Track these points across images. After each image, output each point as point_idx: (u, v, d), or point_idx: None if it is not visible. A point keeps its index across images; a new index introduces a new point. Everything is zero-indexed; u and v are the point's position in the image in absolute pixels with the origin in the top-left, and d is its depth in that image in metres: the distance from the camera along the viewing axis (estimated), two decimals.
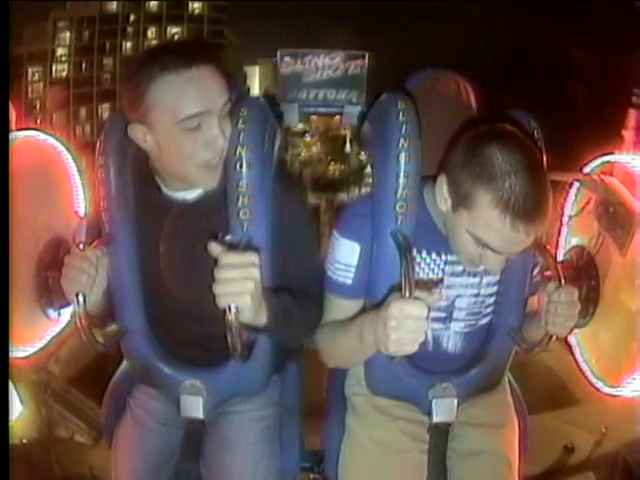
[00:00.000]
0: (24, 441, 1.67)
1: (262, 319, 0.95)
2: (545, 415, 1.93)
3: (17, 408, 1.57)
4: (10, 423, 1.03)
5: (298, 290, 1.08)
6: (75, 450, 1.86)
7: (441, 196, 1.02)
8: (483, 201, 0.93)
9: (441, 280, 1.11)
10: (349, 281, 1.10)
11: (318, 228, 1.18)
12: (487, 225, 0.94)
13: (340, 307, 1.12)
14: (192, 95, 0.94)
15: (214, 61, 0.96)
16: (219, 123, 0.98)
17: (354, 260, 1.09)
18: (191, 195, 1.08)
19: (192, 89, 0.94)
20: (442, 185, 1.01)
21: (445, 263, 1.10)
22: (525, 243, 0.95)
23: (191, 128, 0.96)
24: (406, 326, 0.84)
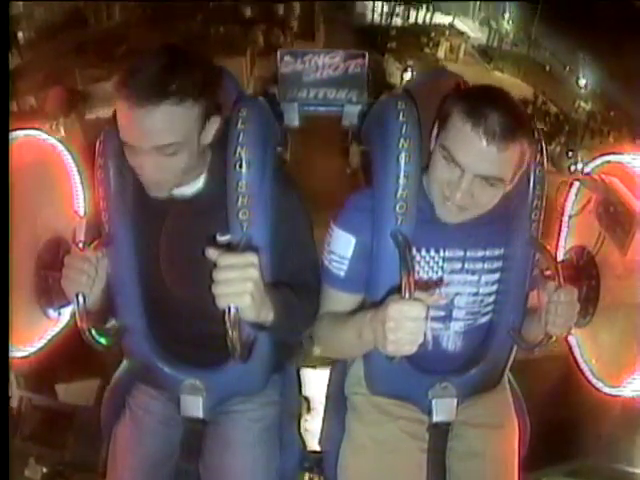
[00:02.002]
0: None
1: (268, 316, 0.95)
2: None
3: None
4: None
5: (296, 284, 1.08)
6: None
7: (432, 141, 1.04)
8: (458, 113, 0.98)
9: (441, 279, 1.11)
10: (342, 273, 1.11)
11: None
12: (458, 137, 0.97)
13: (335, 299, 1.14)
14: (130, 128, 0.94)
15: (180, 95, 0.91)
16: (148, 159, 0.96)
17: (348, 253, 1.10)
18: (189, 191, 1.08)
19: (132, 124, 0.93)
20: (433, 135, 1.04)
21: (444, 260, 1.11)
22: (495, 163, 0.96)
23: (129, 150, 0.98)
24: (405, 327, 0.85)
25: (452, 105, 0.99)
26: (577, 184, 1.38)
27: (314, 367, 1.75)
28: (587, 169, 1.34)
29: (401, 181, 1.05)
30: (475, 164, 0.97)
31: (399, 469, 1.18)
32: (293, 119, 1.55)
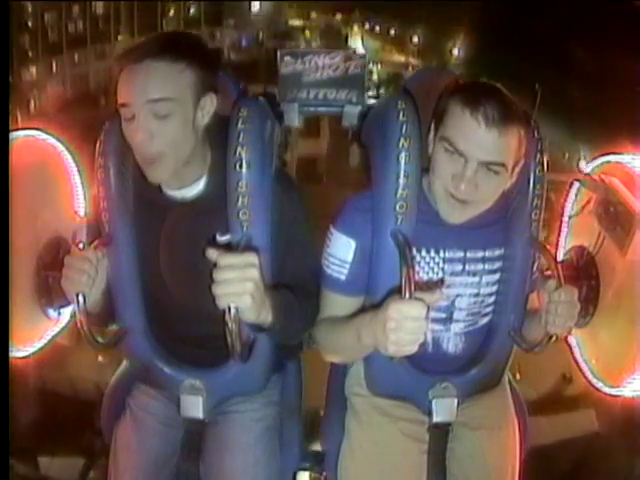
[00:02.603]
0: None
1: (267, 318, 0.95)
2: None
3: None
4: None
5: (296, 286, 1.08)
6: (55, 354, 1.84)
7: (430, 142, 1.05)
8: (455, 104, 0.99)
9: (441, 281, 1.11)
10: (342, 277, 1.11)
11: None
12: (458, 125, 0.98)
13: (335, 302, 1.13)
14: (125, 86, 0.97)
15: (174, 56, 0.96)
16: (142, 121, 0.97)
17: (349, 256, 1.10)
18: (190, 193, 1.08)
19: (131, 80, 0.96)
20: (431, 132, 1.05)
21: (444, 261, 1.10)
22: (495, 148, 0.97)
23: (127, 118, 0.99)
24: (405, 327, 0.84)
25: (449, 97, 1.01)
26: (577, 184, 1.38)
27: None
28: (587, 169, 1.34)
29: (401, 180, 1.05)
30: (477, 150, 0.97)
31: (399, 471, 1.18)
32: (293, 119, 1.55)
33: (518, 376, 1.32)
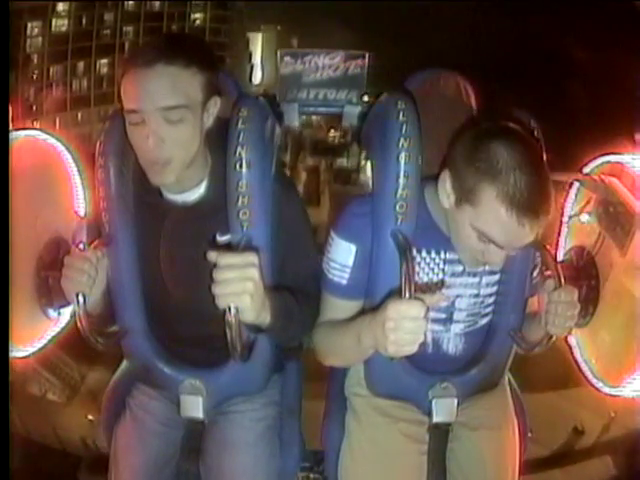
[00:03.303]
0: None
1: (266, 318, 0.95)
2: (551, 394, 1.89)
3: None
4: None
5: (296, 289, 1.08)
6: (44, 408, 1.81)
7: (444, 192, 1.01)
8: (489, 196, 0.93)
9: (442, 282, 1.11)
10: (344, 281, 1.10)
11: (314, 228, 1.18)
12: (492, 220, 0.95)
13: (336, 307, 1.13)
14: (135, 91, 0.94)
15: (186, 61, 0.94)
16: (152, 127, 0.95)
17: (349, 261, 1.09)
18: (191, 197, 1.08)
19: (141, 85, 0.94)
20: (445, 181, 1.01)
21: (445, 262, 1.10)
22: (528, 238, 0.96)
23: (134, 122, 0.96)
24: (404, 327, 0.84)
25: (480, 181, 0.94)
26: (577, 184, 1.38)
27: None
28: (587, 169, 1.34)
29: (401, 180, 1.05)
30: (514, 243, 0.97)
31: (399, 471, 1.18)
32: (293, 119, 1.55)
33: (530, 434, 1.32)
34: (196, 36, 0.96)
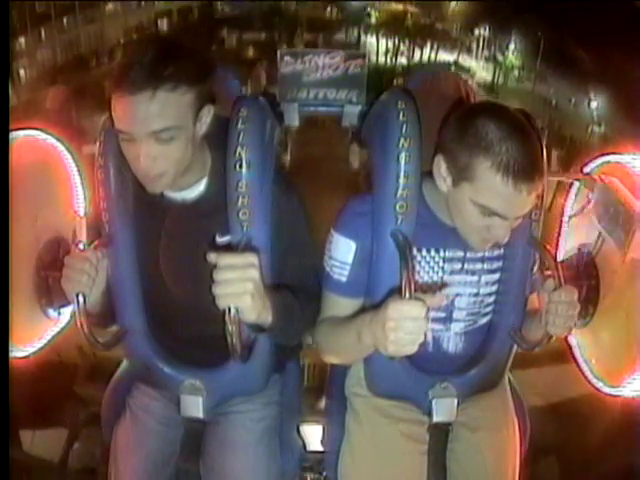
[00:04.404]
0: None
1: (267, 318, 0.95)
2: None
3: None
4: None
5: (297, 287, 1.08)
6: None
7: (440, 177, 1.02)
8: (483, 169, 0.95)
9: (441, 280, 1.11)
10: (344, 279, 1.11)
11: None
12: (491, 191, 0.96)
13: (336, 304, 1.13)
14: (124, 115, 0.94)
15: (174, 82, 0.92)
16: (145, 147, 0.95)
17: (349, 258, 1.10)
18: (191, 195, 1.08)
19: (127, 111, 0.93)
20: (440, 165, 1.02)
21: (444, 261, 1.10)
22: (528, 204, 0.98)
23: (125, 140, 0.97)
24: (405, 327, 0.84)
25: (473, 155, 0.96)
26: (577, 184, 1.38)
27: None
28: (587, 169, 1.34)
29: (401, 180, 1.05)
30: (515, 210, 0.98)
31: (399, 471, 1.18)
32: (293, 119, 1.55)
33: None
34: (184, 47, 0.93)
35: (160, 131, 0.94)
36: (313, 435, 1.36)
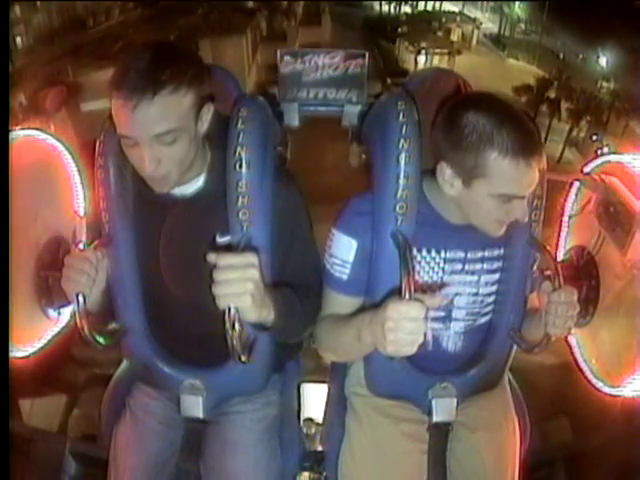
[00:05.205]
0: None
1: (269, 317, 0.95)
2: None
3: None
4: None
5: (297, 284, 1.08)
6: None
7: (446, 182, 1.03)
8: (493, 160, 0.96)
9: (441, 280, 1.11)
10: (344, 277, 1.11)
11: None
12: (506, 177, 0.97)
13: (337, 302, 1.13)
14: (125, 120, 0.94)
15: (174, 84, 0.93)
16: (148, 150, 0.96)
17: (350, 256, 1.10)
18: (189, 190, 1.08)
19: (128, 115, 0.93)
20: (444, 172, 1.02)
21: (445, 261, 1.10)
22: (537, 175, 1.00)
23: (129, 145, 0.98)
24: (404, 328, 0.84)
25: (479, 152, 0.97)
26: (577, 184, 1.38)
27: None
28: (587, 169, 1.34)
29: (401, 181, 1.05)
30: (530, 186, 1.00)
31: (399, 471, 1.18)
32: (293, 119, 1.55)
33: None
34: (181, 49, 0.93)
35: (163, 134, 0.95)
36: (316, 394, 1.35)
